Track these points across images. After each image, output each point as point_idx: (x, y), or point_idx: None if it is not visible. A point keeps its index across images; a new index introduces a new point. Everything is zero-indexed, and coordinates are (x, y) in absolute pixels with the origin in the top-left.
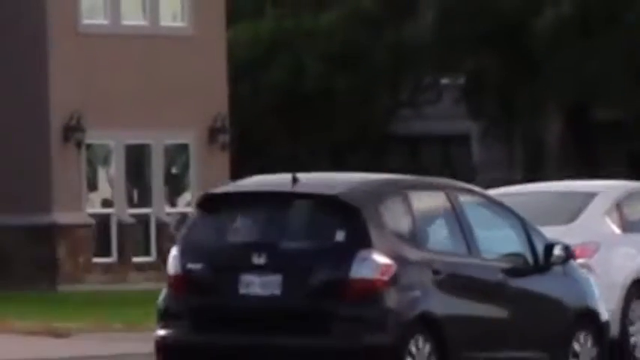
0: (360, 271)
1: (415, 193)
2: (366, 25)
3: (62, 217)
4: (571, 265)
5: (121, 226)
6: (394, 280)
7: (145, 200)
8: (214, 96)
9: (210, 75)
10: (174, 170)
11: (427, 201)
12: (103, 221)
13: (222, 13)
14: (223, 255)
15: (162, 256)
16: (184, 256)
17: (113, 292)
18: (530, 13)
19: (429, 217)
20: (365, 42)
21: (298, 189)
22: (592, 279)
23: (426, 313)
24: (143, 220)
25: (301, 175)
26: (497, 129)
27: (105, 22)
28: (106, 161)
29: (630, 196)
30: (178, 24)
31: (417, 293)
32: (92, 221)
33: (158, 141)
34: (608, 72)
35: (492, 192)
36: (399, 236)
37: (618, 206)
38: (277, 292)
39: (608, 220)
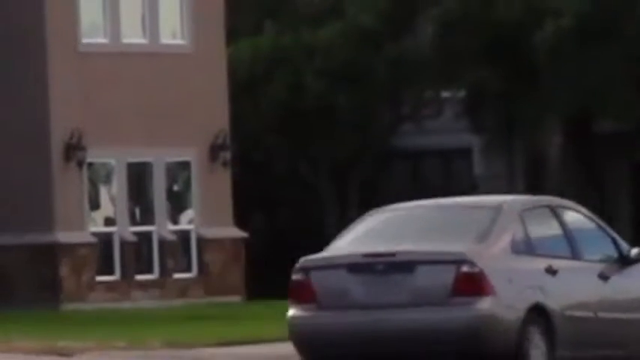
0: None
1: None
2: (366, 40)
3: (64, 235)
4: None
5: (124, 244)
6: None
7: (147, 218)
8: (215, 113)
9: (211, 92)
10: (176, 188)
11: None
12: (106, 239)
13: (221, 30)
14: None
15: (165, 273)
16: None
17: (116, 311)
18: (530, 25)
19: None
20: (365, 57)
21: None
22: None
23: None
24: (145, 237)
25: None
26: (499, 142)
27: (105, 40)
28: (107, 179)
29: None
30: (178, 41)
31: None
32: (94, 240)
33: (159, 159)
34: (608, 83)
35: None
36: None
37: None
38: None
39: None
